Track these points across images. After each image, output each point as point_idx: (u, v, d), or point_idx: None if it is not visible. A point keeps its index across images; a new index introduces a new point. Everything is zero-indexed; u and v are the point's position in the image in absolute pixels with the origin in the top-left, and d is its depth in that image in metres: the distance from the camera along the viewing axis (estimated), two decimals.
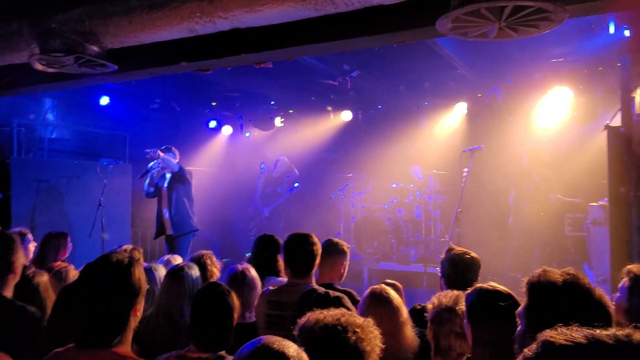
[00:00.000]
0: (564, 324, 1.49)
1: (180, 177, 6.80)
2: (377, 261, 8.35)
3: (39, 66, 4.11)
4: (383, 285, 2.68)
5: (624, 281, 2.51)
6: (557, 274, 1.64)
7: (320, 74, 7.97)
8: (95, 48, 3.98)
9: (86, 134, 8.87)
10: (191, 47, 4.05)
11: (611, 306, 1.59)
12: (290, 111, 10.11)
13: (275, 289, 3.13)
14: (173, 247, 6.66)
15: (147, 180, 6.83)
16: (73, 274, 3.36)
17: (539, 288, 1.63)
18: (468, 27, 3.02)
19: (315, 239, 3.22)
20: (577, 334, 1.03)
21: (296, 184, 9.50)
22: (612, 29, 6.11)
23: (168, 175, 6.83)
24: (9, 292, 2.64)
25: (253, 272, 3.46)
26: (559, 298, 1.57)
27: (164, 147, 6.83)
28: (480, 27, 3.01)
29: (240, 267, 3.48)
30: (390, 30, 3.36)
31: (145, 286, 1.90)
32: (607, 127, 4.56)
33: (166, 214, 6.80)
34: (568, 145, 8.00)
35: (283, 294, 3.05)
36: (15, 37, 3.96)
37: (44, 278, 3.14)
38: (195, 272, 3.08)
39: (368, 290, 2.68)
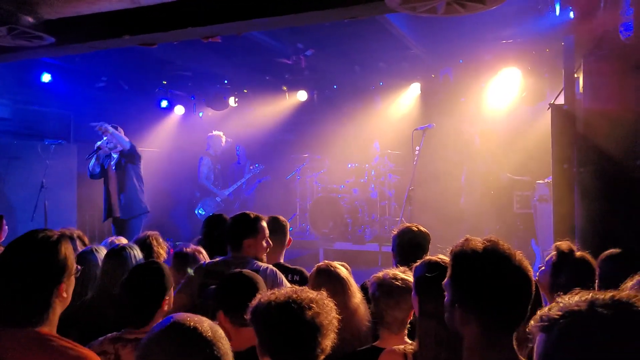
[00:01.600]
0: (487, 291, 1.52)
1: (131, 156, 6.54)
2: (332, 241, 8.39)
3: None
4: (328, 262, 2.68)
5: (552, 256, 2.56)
6: (478, 242, 1.64)
7: (275, 53, 7.84)
8: (29, 19, 3.77)
9: (27, 112, 8.44)
10: (134, 20, 3.88)
11: (531, 271, 1.60)
12: (245, 91, 9.94)
13: (217, 261, 3.12)
14: (123, 230, 6.36)
15: (93, 161, 6.54)
16: None
17: (461, 257, 1.63)
18: (417, 2, 3.00)
19: (256, 217, 3.21)
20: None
21: (256, 165, 9.27)
22: (557, 10, 6.23)
23: (115, 155, 6.56)
24: None
25: (205, 254, 3.39)
26: (479, 266, 1.58)
27: (110, 125, 6.49)
28: (428, 2, 3.00)
29: (188, 248, 3.40)
30: (339, 4, 3.30)
31: (73, 266, 1.80)
32: (552, 105, 4.67)
33: (114, 196, 6.54)
34: (517, 125, 8.18)
35: (220, 265, 3.04)
36: None
37: None
38: (137, 252, 2.98)
39: (314, 268, 2.67)
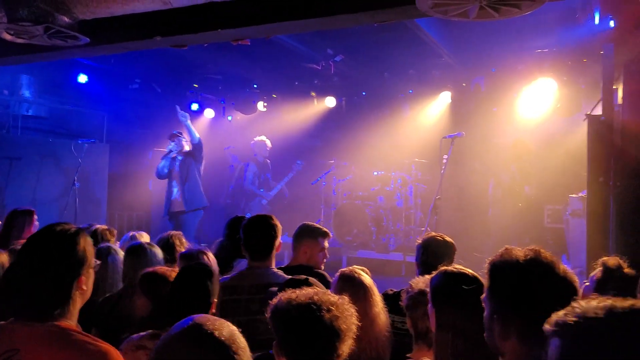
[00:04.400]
0: (529, 302, 1.44)
1: (196, 153, 7.28)
2: (356, 249, 8.31)
3: (6, 36, 3.96)
4: (353, 267, 2.62)
5: (596, 272, 2.46)
6: (519, 251, 1.56)
7: (304, 58, 7.85)
8: (65, 18, 3.83)
9: (63, 112, 8.66)
10: (166, 21, 3.92)
11: (576, 281, 1.53)
12: (274, 96, 9.97)
13: (233, 275, 3.02)
14: (182, 223, 7.01)
15: (164, 162, 7.25)
16: None
17: (501, 268, 1.55)
18: (448, 5, 2.94)
19: (274, 221, 3.09)
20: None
21: (298, 162, 9.26)
22: (597, 19, 6.05)
23: (180, 158, 7.28)
24: None
25: (211, 256, 3.30)
26: (521, 276, 1.50)
27: (175, 131, 7.35)
28: (461, 6, 2.93)
29: (197, 249, 3.34)
30: (369, 8, 3.26)
31: (92, 258, 1.79)
32: (588, 116, 4.52)
33: (176, 191, 7.21)
34: (551, 136, 7.98)
35: (239, 278, 2.95)
36: None
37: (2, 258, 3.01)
38: (158, 250, 2.97)
39: (337, 273, 2.62)
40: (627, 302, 1.00)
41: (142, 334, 2.28)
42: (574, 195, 6.52)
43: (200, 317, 1.41)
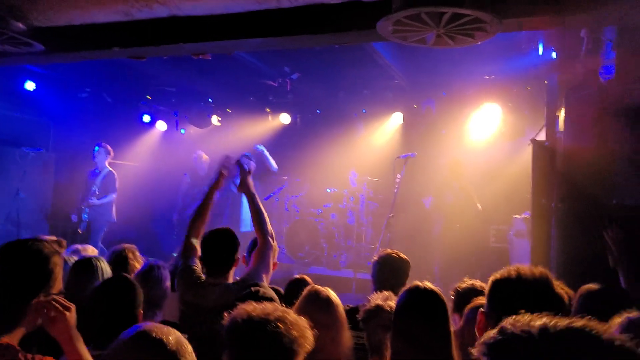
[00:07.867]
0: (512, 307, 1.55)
1: (273, 177, 8.58)
2: (307, 265, 8.33)
3: None
4: (319, 287, 2.61)
5: None
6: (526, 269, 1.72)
7: (260, 74, 7.90)
8: (20, 24, 3.74)
9: (7, 119, 8.30)
10: (126, 32, 3.88)
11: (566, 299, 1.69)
12: (228, 110, 9.93)
13: (190, 289, 2.95)
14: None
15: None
16: None
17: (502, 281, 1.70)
18: (408, 32, 3.07)
19: (235, 236, 3.10)
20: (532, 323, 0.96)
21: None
22: (540, 50, 6.42)
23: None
24: None
25: (165, 270, 3.29)
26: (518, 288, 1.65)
27: (247, 154, 7.89)
28: (419, 32, 3.07)
29: (153, 262, 3.31)
30: (332, 30, 3.36)
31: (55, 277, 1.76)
32: (533, 140, 4.77)
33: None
34: (496, 159, 8.28)
35: (198, 296, 2.89)
36: None
37: None
38: (105, 265, 2.90)
39: (307, 289, 2.58)
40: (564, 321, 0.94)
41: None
42: (517, 216, 6.79)
43: (147, 325, 1.42)
